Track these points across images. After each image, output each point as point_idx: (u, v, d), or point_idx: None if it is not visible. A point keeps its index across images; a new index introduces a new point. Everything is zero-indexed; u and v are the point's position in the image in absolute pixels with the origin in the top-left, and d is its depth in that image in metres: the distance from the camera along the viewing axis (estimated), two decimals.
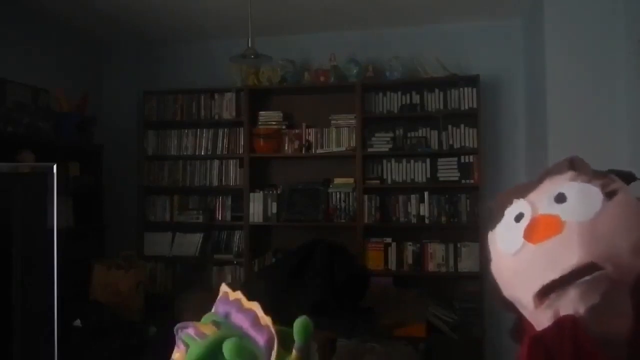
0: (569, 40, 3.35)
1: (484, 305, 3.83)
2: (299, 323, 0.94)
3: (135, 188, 4.57)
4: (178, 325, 0.98)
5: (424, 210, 4.03)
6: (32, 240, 1.22)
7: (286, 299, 2.68)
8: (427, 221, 4.03)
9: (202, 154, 4.42)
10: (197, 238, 4.42)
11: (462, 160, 4.00)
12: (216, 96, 4.41)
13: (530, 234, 0.89)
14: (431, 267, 4.02)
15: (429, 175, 4.05)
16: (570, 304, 0.82)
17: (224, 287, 1.06)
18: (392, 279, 4.00)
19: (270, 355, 0.90)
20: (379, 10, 3.94)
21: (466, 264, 3.96)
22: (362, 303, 2.95)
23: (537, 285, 0.84)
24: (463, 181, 3.98)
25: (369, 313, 2.87)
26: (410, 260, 4.05)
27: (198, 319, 1.05)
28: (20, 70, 3.68)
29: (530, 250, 0.88)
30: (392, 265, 4.05)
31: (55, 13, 3.96)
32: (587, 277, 0.80)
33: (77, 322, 3.13)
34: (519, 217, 0.95)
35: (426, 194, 4.04)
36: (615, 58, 3.25)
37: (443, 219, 4.01)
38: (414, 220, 4.06)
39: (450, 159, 4.02)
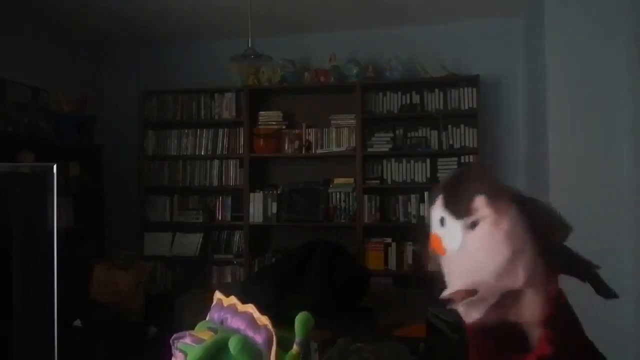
0: (569, 40, 3.35)
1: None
2: (299, 318, 0.95)
3: (135, 188, 4.57)
4: (174, 336, 0.99)
5: (424, 210, 4.03)
6: (32, 240, 1.22)
7: (286, 299, 2.68)
8: (427, 221, 4.01)
9: (202, 154, 4.42)
10: (197, 238, 4.42)
11: (462, 160, 4.00)
12: (216, 96, 4.41)
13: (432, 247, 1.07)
14: (431, 267, 4.00)
15: (429, 175, 4.04)
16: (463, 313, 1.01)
17: (217, 294, 1.07)
18: (392, 279, 4.00)
19: (270, 351, 0.91)
20: (379, 10, 3.94)
21: None
22: (362, 303, 2.95)
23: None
24: None
25: (369, 313, 2.87)
26: (410, 260, 4.05)
27: (198, 319, 1.06)
28: (20, 70, 3.68)
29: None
30: (392, 265, 4.05)
31: (55, 13, 3.95)
32: (465, 300, 0.97)
33: (77, 322, 3.13)
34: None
35: (426, 194, 4.04)
36: (615, 58, 3.24)
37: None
38: (414, 220, 4.06)
39: (450, 159, 4.02)
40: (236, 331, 0.96)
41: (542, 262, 0.98)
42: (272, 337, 0.92)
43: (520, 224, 0.96)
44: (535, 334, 0.99)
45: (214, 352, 0.93)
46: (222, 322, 1.01)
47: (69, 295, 2.58)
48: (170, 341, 0.99)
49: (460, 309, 1.00)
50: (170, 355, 0.99)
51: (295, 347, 0.94)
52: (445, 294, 1.00)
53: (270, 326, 0.93)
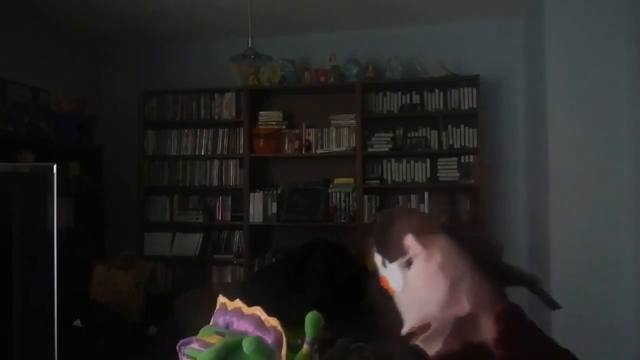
0: (569, 40, 3.35)
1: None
2: (310, 317, 0.96)
3: (135, 188, 4.57)
4: (181, 342, 0.99)
5: (424, 210, 4.02)
6: (32, 240, 1.22)
7: (286, 299, 2.68)
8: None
9: (202, 154, 4.42)
10: (197, 238, 4.42)
11: (462, 160, 4.00)
12: (216, 96, 4.41)
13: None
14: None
15: (429, 175, 4.04)
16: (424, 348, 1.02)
17: (221, 299, 1.06)
18: None
19: (280, 351, 0.91)
20: (379, 10, 3.94)
21: None
22: (362, 303, 2.95)
23: None
24: (463, 181, 3.98)
25: (369, 313, 2.87)
26: None
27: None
28: (20, 70, 3.68)
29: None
30: None
31: (55, 13, 3.95)
32: (421, 336, 1.00)
33: (77, 322, 3.13)
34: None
35: (426, 194, 4.04)
36: (615, 58, 3.24)
37: (443, 219, 4.01)
38: None
39: (450, 159, 4.02)
40: (244, 334, 0.96)
41: (486, 283, 0.99)
42: (282, 338, 0.92)
43: (453, 253, 0.98)
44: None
45: (224, 356, 0.93)
46: (227, 326, 1.01)
47: (69, 295, 2.58)
48: (177, 347, 0.99)
49: (420, 344, 1.02)
50: (171, 355, 0.99)
51: (305, 347, 0.94)
52: (403, 331, 1.02)
53: (279, 327, 0.93)
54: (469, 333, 0.99)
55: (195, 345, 0.96)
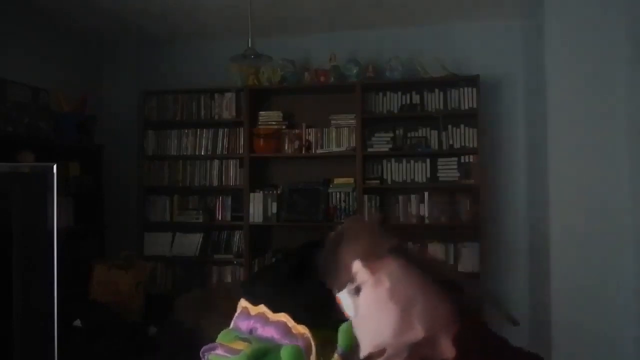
0: (569, 40, 3.35)
1: (484, 305, 3.83)
2: (343, 328, 0.94)
3: (135, 188, 4.57)
4: (204, 348, 0.98)
5: (424, 210, 4.03)
6: (32, 240, 1.22)
7: (286, 299, 2.68)
8: (427, 221, 4.03)
9: (202, 154, 4.42)
10: (197, 238, 4.42)
11: (462, 160, 4.00)
12: (216, 96, 4.41)
13: None
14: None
15: (429, 175, 4.04)
16: None
17: (242, 303, 1.05)
18: None
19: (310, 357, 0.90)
20: (379, 10, 3.94)
21: (466, 264, 3.96)
22: None
23: None
24: (463, 181, 3.98)
25: None
26: None
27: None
28: (20, 70, 3.68)
29: None
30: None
31: (55, 13, 3.95)
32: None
33: (77, 322, 3.13)
34: None
35: (426, 194, 4.04)
36: (615, 58, 3.25)
37: (443, 219, 4.01)
38: (414, 220, 4.06)
39: (450, 159, 4.02)
40: (269, 340, 0.95)
41: (440, 304, 0.96)
42: (311, 347, 0.91)
43: (403, 277, 0.95)
44: None
45: None
46: (250, 332, 0.99)
47: (69, 295, 2.58)
48: (201, 353, 0.98)
49: None
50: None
51: (336, 357, 0.93)
52: (361, 355, 0.99)
53: (308, 334, 0.92)
54: (427, 356, 0.96)
55: (219, 351, 0.95)
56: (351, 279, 0.97)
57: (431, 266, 1.00)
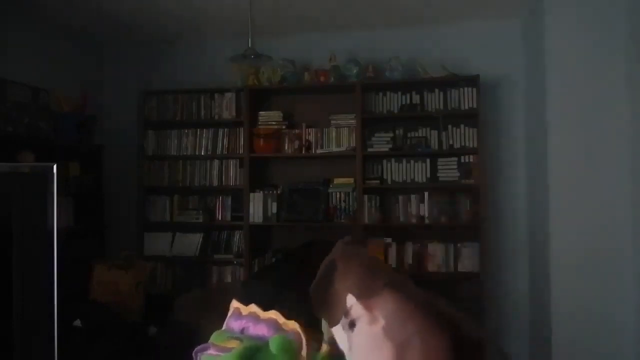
0: (569, 40, 3.35)
1: (484, 305, 3.83)
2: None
3: (135, 188, 4.57)
4: (197, 348, 0.98)
5: (424, 210, 4.03)
6: (32, 240, 1.22)
7: (286, 299, 2.68)
8: (427, 221, 4.03)
9: (202, 154, 4.42)
10: (197, 238, 4.42)
11: (462, 160, 4.00)
12: (216, 96, 4.41)
13: None
14: (431, 267, 4.02)
15: (429, 175, 4.04)
16: None
17: (234, 304, 1.05)
18: None
19: (301, 351, 0.90)
20: (379, 10, 3.94)
21: (466, 264, 3.96)
22: None
23: None
24: (463, 181, 3.98)
25: None
26: (410, 260, 4.05)
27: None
28: (20, 70, 3.68)
29: None
30: (392, 265, 4.05)
31: (55, 13, 3.95)
32: None
33: (77, 322, 3.13)
34: None
35: (426, 194, 4.05)
36: (615, 58, 3.24)
37: (443, 219, 4.01)
38: (414, 220, 4.06)
39: (450, 159, 4.02)
40: (261, 338, 0.95)
41: (439, 343, 0.93)
42: (302, 339, 0.91)
43: (399, 314, 0.92)
44: None
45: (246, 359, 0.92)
46: (242, 331, 0.99)
47: (69, 295, 2.58)
48: (193, 354, 0.98)
49: None
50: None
51: (324, 347, 0.93)
52: None
53: (299, 329, 0.92)
54: None
55: (212, 351, 0.95)
56: (345, 312, 0.94)
57: (428, 302, 0.98)
